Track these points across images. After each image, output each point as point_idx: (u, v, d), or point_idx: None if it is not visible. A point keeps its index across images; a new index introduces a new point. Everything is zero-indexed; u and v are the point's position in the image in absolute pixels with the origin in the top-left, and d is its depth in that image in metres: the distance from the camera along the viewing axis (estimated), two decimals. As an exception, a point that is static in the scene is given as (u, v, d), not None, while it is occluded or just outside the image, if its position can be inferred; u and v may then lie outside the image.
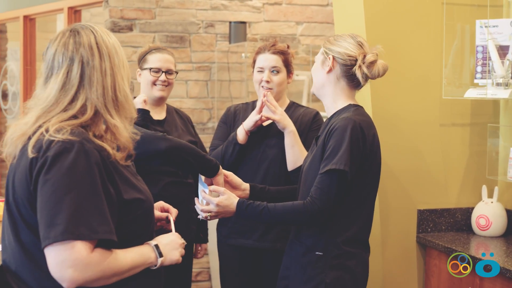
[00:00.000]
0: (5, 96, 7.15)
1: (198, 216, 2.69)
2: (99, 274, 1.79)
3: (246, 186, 2.91)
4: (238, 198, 2.62)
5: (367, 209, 2.63)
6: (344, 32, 3.29)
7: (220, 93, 5.12)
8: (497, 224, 3.32)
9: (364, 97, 3.27)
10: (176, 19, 4.98)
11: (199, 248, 3.62)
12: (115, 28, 4.83)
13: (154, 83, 3.33)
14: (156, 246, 1.99)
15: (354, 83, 2.64)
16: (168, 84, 3.36)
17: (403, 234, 3.36)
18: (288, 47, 3.27)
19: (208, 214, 2.64)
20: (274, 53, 3.21)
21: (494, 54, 3.12)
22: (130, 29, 4.87)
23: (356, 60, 2.59)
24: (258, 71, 3.23)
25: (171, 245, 2.05)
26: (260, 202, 2.59)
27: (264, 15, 5.20)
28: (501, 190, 3.42)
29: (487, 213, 3.33)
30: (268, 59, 3.20)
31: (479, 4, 3.34)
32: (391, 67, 3.31)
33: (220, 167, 2.80)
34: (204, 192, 2.68)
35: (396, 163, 3.32)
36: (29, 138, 1.85)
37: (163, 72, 3.33)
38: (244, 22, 4.98)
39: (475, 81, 3.25)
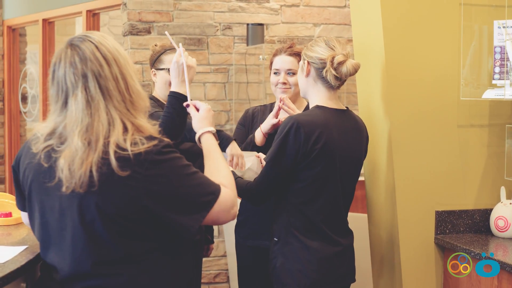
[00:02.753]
0: (24, 99, 7.21)
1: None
2: (234, 196, 2.07)
3: None
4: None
5: (324, 202, 2.75)
6: (361, 33, 3.29)
7: (238, 95, 5.13)
8: (516, 225, 3.31)
9: (382, 98, 3.27)
10: (194, 22, 5.00)
11: (207, 248, 3.64)
12: (133, 31, 4.86)
13: (170, 84, 3.35)
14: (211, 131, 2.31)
15: (328, 84, 2.79)
16: None
17: (421, 236, 3.35)
18: (305, 49, 3.27)
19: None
20: (290, 54, 3.22)
21: (512, 55, 3.11)
22: (148, 31, 4.90)
23: (326, 63, 2.75)
24: (275, 73, 3.24)
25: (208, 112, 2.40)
26: (237, 176, 2.91)
27: (282, 17, 5.21)
28: (520, 191, 3.40)
29: (505, 215, 3.32)
30: (284, 61, 3.21)
31: (497, 5, 3.33)
32: (408, 67, 3.31)
33: None
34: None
35: (413, 164, 3.31)
36: (103, 159, 1.87)
37: None
38: (261, 24, 4.98)
39: (493, 81, 3.24)
